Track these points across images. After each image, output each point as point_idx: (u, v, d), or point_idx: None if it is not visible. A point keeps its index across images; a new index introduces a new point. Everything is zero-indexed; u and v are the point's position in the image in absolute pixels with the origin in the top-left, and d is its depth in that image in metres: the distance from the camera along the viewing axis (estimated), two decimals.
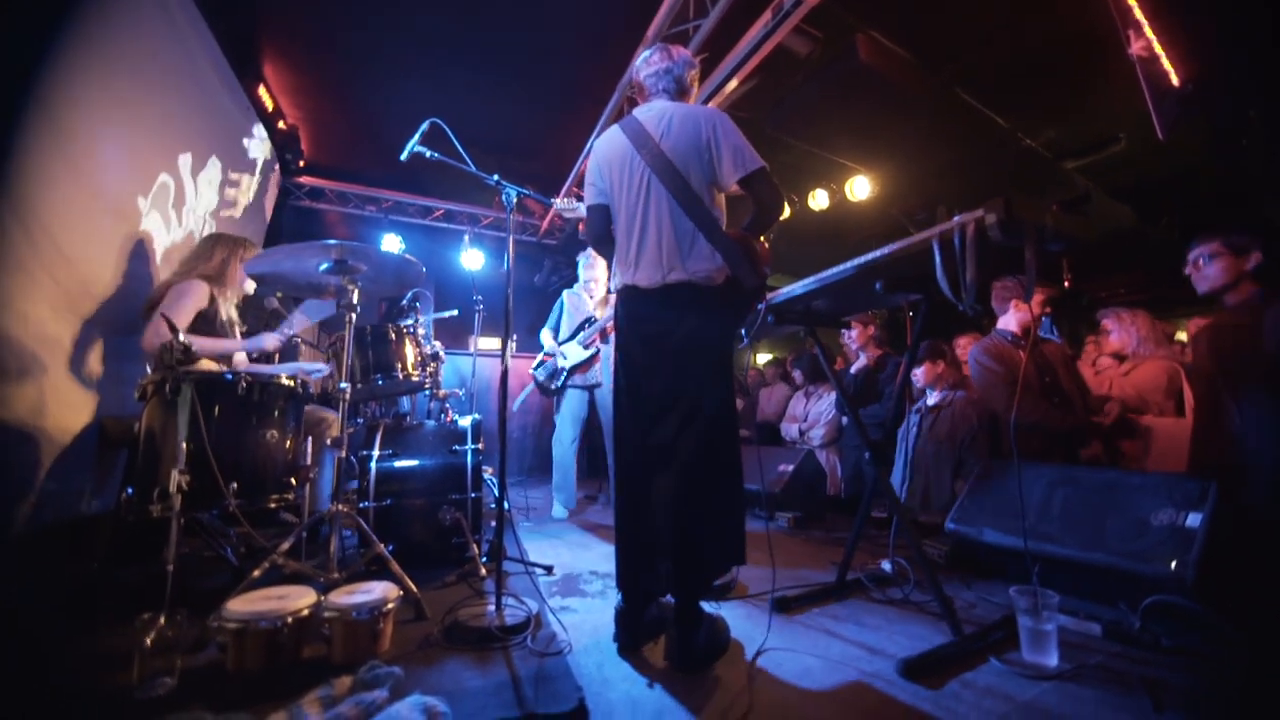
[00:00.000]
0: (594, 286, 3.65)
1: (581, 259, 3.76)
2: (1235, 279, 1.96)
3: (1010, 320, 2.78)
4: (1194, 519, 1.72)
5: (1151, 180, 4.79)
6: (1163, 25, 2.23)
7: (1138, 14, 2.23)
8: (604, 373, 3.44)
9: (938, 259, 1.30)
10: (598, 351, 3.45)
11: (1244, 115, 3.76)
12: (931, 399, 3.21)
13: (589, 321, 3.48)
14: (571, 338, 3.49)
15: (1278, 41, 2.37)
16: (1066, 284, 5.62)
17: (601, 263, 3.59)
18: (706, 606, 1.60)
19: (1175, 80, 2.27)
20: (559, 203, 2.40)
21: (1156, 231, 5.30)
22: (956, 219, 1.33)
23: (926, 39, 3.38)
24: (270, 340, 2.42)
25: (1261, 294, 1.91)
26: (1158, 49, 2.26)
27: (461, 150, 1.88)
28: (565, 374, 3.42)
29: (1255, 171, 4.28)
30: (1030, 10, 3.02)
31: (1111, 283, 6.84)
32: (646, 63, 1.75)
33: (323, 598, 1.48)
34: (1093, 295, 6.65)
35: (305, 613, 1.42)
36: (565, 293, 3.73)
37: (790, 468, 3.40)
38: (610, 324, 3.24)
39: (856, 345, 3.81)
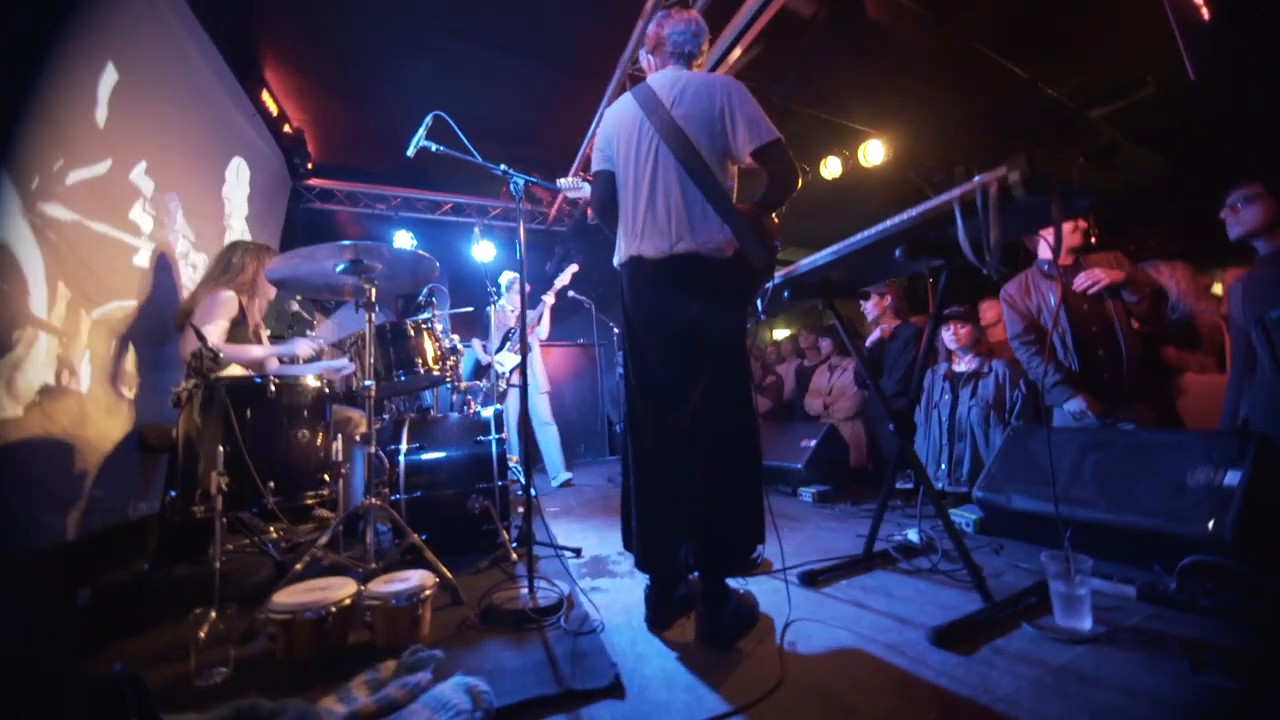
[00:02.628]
0: (515, 303, 4.24)
1: (504, 281, 4.36)
2: (1272, 222, 1.87)
3: (1045, 248, 2.66)
4: (1232, 477, 1.67)
5: (1183, 124, 4.55)
6: None
7: None
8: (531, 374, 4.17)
9: (959, 222, 1.26)
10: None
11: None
12: (962, 365, 3.11)
13: (511, 332, 4.13)
14: (501, 347, 4.06)
15: None
16: (1093, 239, 5.41)
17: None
18: (733, 582, 1.62)
19: (1207, 14, 2.13)
20: (563, 182, 2.38)
21: (1190, 179, 5.05)
22: (978, 179, 1.28)
23: None
24: (304, 346, 2.49)
25: None
26: None
27: (467, 142, 1.88)
28: (508, 377, 4.06)
29: None
30: None
31: (1142, 235, 6.57)
32: (671, 18, 1.69)
33: (363, 587, 1.54)
34: (1123, 249, 6.40)
35: (348, 602, 1.48)
36: (491, 308, 4.27)
37: (813, 442, 3.39)
38: (532, 327, 4.09)
39: (873, 316, 3.74)
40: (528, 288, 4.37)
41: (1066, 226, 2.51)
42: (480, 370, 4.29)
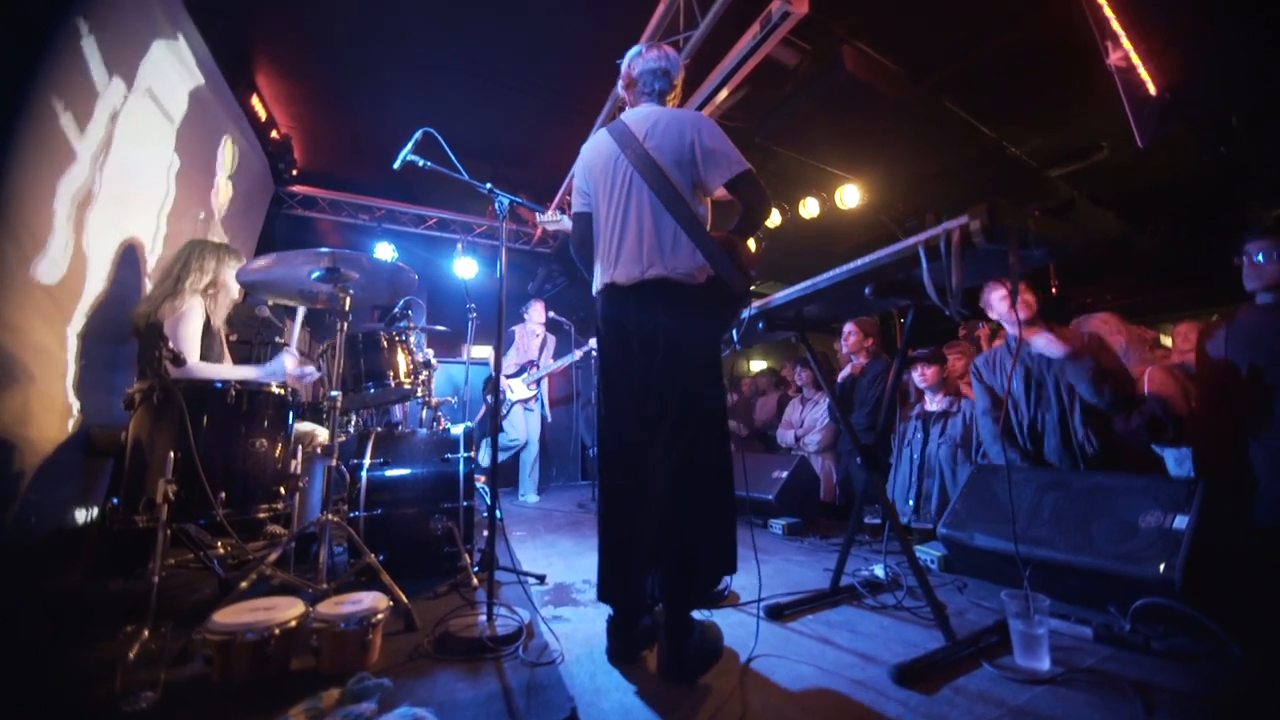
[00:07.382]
0: (537, 330, 4.62)
1: (524, 306, 4.65)
2: None
3: (996, 313, 2.57)
4: (1180, 521, 1.73)
5: (1134, 187, 4.88)
6: (1139, 35, 2.28)
7: (1115, 25, 2.28)
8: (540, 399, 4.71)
9: (924, 265, 1.32)
10: (537, 392, 4.62)
11: (1225, 121, 3.84)
12: (933, 404, 3.19)
13: (531, 364, 4.47)
14: (516, 374, 4.40)
15: (1257, 48, 2.41)
16: (1053, 290, 5.67)
17: (540, 307, 4.67)
18: (699, 614, 1.60)
19: (1153, 90, 2.32)
20: (543, 216, 2.40)
21: (1142, 237, 5.39)
22: (942, 226, 1.35)
23: (911, 49, 3.45)
24: (290, 363, 2.29)
25: None
26: (1135, 59, 2.30)
27: (454, 159, 1.89)
28: (511, 403, 4.43)
29: (1238, 175, 4.38)
30: (1012, 20, 3.09)
31: (1098, 289, 6.93)
32: (641, 57, 1.74)
33: (311, 609, 1.46)
34: (1079, 301, 6.73)
35: (293, 624, 1.40)
36: (517, 328, 4.59)
37: (785, 474, 3.40)
38: (547, 375, 4.50)
39: (847, 350, 3.80)
40: (543, 316, 4.62)
41: (1008, 301, 2.33)
42: (489, 384, 4.65)
